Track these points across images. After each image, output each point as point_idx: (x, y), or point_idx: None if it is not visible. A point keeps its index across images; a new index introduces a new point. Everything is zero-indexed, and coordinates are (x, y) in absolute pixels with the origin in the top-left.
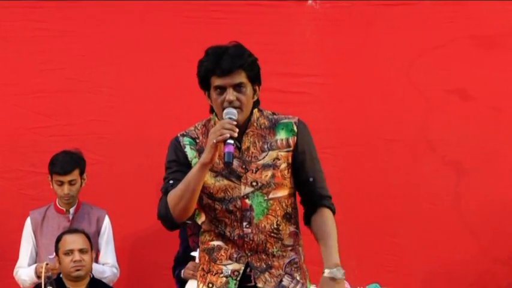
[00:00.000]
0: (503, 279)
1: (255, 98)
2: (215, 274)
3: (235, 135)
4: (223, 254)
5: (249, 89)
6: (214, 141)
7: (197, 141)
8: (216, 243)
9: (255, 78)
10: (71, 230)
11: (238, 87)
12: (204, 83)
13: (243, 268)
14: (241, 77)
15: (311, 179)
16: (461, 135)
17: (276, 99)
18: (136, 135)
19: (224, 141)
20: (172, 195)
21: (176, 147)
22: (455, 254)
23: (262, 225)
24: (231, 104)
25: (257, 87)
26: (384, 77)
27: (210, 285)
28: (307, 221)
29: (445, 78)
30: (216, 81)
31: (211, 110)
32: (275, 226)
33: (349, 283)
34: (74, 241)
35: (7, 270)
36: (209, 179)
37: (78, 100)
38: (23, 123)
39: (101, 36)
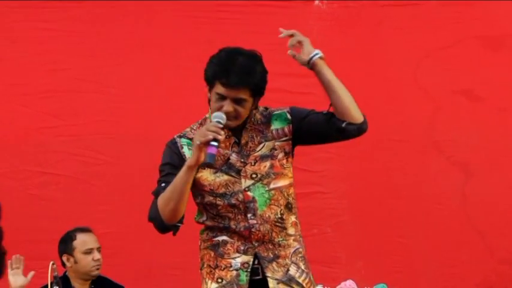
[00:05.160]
0: (509, 280)
1: (254, 106)
2: (224, 269)
3: (220, 137)
4: (230, 247)
5: (249, 102)
6: (198, 142)
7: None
8: (220, 238)
9: (258, 93)
10: (84, 229)
11: (238, 101)
12: (208, 82)
13: (252, 259)
14: (245, 93)
15: (324, 111)
16: (468, 136)
17: (282, 100)
18: (144, 135)
19: (208, 143)
20: (162, 198)
21: (171, 150)
22: (462, 255)
23: (267, 215)
24: (227, 114)
25: (258, 98)
26: (390, 78)
27: (220, 280)
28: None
29: (452, 79)
30: (219, 89)
31: (209, 101)
32: (279, 215)
33: (357, 283)
34: (91, 240)
35: None
36: (209, 176)
37: (85, 100)
38: (30, 123)
39: (108, 37)
